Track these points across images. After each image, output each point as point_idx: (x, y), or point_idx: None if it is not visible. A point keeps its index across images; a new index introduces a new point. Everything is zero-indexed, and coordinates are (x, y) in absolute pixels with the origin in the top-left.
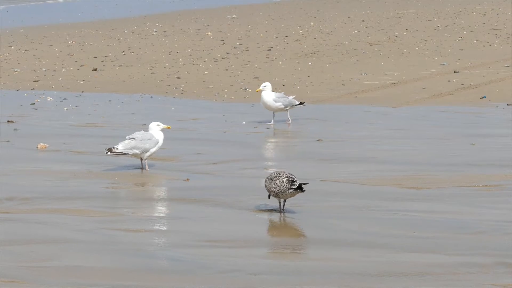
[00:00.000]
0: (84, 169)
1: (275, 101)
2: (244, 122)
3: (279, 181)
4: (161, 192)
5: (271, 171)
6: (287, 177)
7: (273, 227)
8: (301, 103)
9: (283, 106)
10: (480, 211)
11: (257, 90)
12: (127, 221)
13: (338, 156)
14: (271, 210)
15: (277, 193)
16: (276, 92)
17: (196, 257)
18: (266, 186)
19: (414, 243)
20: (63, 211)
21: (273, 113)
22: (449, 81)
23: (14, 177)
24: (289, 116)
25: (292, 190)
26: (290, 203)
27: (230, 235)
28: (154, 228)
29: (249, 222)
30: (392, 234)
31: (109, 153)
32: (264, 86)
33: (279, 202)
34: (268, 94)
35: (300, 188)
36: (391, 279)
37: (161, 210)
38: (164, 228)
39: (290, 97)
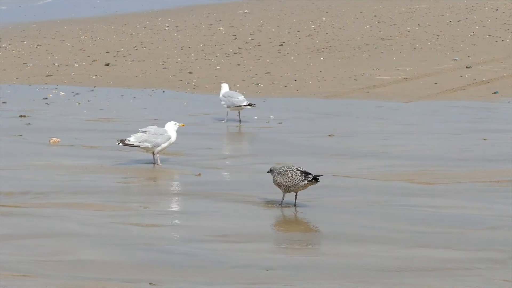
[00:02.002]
0: (96, 163)
1: (221, 100)
2: (256, 117)
3: (291, 174)
4: (173, 186)
5: (277, 166)
6: (298, 170)
7: (285, 222)
8: (249, 105)
9: (225, 106)
10: (493, 206)
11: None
12: (139, 215)
13: (349, 151)
14: (283, 206)
15: (289, 187)
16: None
17: (208, 252)
18: (276, 181)
19: (426, 239)
20: (75, 206)
21: (228, 112)
22: (461, 76)
23: (27, 172)
24: (237, 117)
25: (305, 182)
26: (301, 198)
27: (241, 230)
28: (166, 222)
29: (261, 216)
30: (404, 230)
31: (120, 144)
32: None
33: (283, 196)
34: (222, 92)
35: (315, 179)
36: (403, 274)
37: (173, 204)
38: (176, 222)
39: (240, 98)
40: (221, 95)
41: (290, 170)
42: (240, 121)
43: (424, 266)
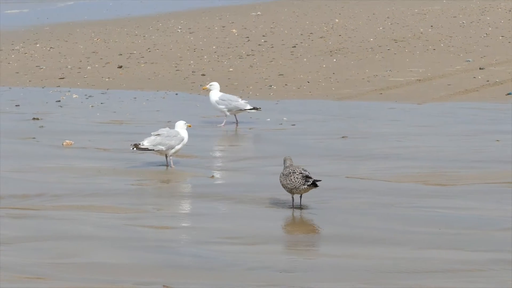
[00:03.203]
0: (110, 166)
1: (218, 103)
2: (269, 119)
3: (294, 177)
4: (185, 189)
5: (288, 160)
6: (301, 173)
7: (297, 224)
8: (255, 108)
9: (225, 110)
10: (506, 208)
11: (203, 87)
12: (152, 217)
13: (363, 153)
14: (295, 208)
15: (291, 189)
16: (233, 94)
17: (221, 254)
18: (280, 182)
19: (439, 240)
20: (88, 208)
21: (227, 115)
22: (474, 77)
23: (41, 174)
24: (235, 119)
25: (305, 186)
26: (315, 199)
27: (254, 232)
28: (179, 225)
29: (273, 218)
30: (417, 231)
31: (134, 149)
32: (211, 85)
33: (293, 198)
34: (214, 95)
35: (314, 184)
36: (417, 276)
37: (186, 207)
38: (189, 225)
39: (242, 101)
40: (217, 98)
41: (293, 173)
42: (237, 122)
43: (437, 268)
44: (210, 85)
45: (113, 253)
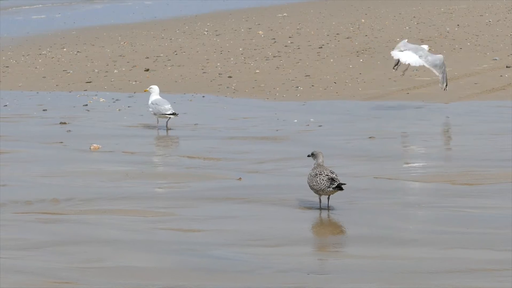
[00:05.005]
0: (137, 169)
1: (149, 107)
2: (296, 120)
3: (320, 178)
4: (213, 191)
5: (318, 152)
6: (327, 175)
7: (325, 225)
8: (173, 114)
9: (153, 113)
10: None
11: (145, 90)
12: (180, 220)
13: (390, 153)
14: (322, 209)
15: (317, 191)
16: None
17: (249, 256)
18: (308, 183)
19: (468, 240)
20: (115, 212)
21: (157, 119)
22: (501, 76)
23: (69, 179)
24: (165, 124)
25: (330, 189)
26: (343, 200)
27: (281, 233)
28: (207, 227)
29: (300, 219)
30: (445, 231)
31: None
32: (150, 88)
33: (320, 199)
34: (150, 98)
35: (339, 187)
36: (445, 276)
37: (214, 209)
38: (217, 227)
39: (167, 106)
40: (149, 102)
41: (319, 174)
42: (167, 129)
43: (465, 268)
44: (150, 88)
45: (141, 257)
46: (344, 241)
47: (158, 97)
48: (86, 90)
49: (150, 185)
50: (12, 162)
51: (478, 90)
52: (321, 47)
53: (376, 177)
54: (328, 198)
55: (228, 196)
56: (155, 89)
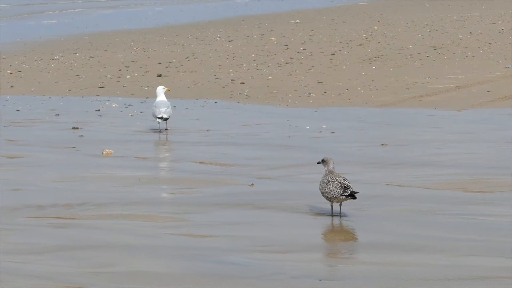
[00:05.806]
0: (149, 174)
1: (152, 108)
2: (308, 127)
3: (332, 186)
4: (225, 197)
5: (329, 160)
6: (340, 182)
7: (337, 232)
8: (162, 118)
9: (152, 115)
10: None
11: (167, 89)
12: (192, 226)
13: (402, 160)
14: (334, 215)
15: (329, 198)
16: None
17: (261, 262)
18: (320, 189)
19: (480, 247)
20: (128, 217)
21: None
22: None
23: (81, 184)
24: (162, 126)
25: (343, 197)
26: (354, 207)
27: (293, 240)
28: (219, 233)
29: (312, 226)
30: (457, 238)
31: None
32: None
33: (332, 206)
34: (156, 99)
35: (352, 196)
36: (457, 283)
37: (226, 215)
38: (228, 233)
39: (162, 109)
40: (154, 104)
41: (332, 181)
42: (165, 129)
43: (477, 275)
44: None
45: (153, 262)
46: (356, 248)
47: (161, 99)
48: (98, 95)
49: (162, 190)
50: (25, 166)
51: (490, 98)
52: (334, 54)
53: (388, 184)
54: (340, 205)
55: (239, 202)
56: (158, 90)
